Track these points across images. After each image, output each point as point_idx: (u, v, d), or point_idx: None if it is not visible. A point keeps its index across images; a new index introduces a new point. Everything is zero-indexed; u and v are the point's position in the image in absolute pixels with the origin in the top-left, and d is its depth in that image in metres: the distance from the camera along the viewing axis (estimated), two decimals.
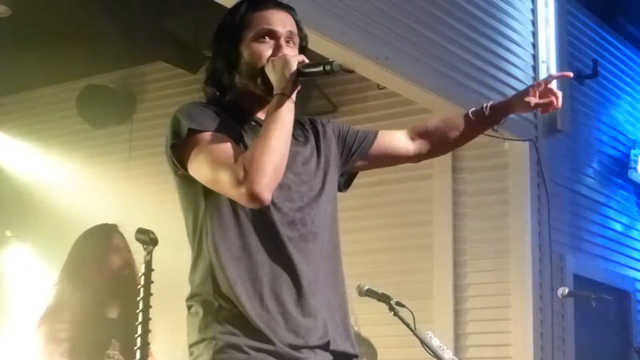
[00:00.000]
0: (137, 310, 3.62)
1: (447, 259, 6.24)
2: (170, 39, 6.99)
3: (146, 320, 3.58)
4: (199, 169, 2.47)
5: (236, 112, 2.60)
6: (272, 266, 2.50)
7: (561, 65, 6.51)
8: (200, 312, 2.51)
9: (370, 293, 4.27)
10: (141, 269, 3.67)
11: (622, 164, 7.61)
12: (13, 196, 7.75)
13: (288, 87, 2.47)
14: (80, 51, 7.32)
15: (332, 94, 6.71)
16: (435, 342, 4.19)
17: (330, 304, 2.58)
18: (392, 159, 2.93)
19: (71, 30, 7.16)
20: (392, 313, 4.24)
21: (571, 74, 3.25)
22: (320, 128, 2.75)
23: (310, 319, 2.51)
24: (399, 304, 4.23)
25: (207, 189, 2.51)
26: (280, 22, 2.62)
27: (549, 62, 6.46)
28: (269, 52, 2.58)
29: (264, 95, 2.57)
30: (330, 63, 2.48)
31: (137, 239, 3.71)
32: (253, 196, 2.37)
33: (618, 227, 7.48)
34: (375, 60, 5.01)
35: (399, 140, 2.90)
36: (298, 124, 2.56)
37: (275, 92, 2.48)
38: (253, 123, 2.60)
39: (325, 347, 2.53)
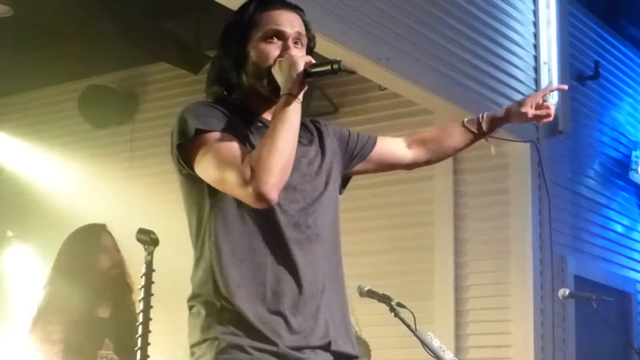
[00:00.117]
0: (138, 311, 3.63)
1: (448, 260, 6.24)
2: (172, 39, 6.99)
3: (147, 320, 3.58)
4: (206, 168, 2.47)
5: (243, 112, 2.60)
6: (276, 268, 2.50)
7: (562, 67, 6.51)
8: (203, 312, 2.51)
9: (371, 294, 4.27)
10: (142, 269, 3.67)
11: (623, 166, 7.61)
12: (14, 196, 7.75)
13: (295, 87, 2.47)
14: (81, 51, 7.33)
15: (333, 95, 6.71)
16: (435, 343, 4.19)
17: (331, 305, 2.58)
18: (389, 165, 2.99)
19: (73, 31, 7.17)
20: (393, 314, 4.24)
21: (566, 87, 3.32)
22: (323, 129, 2.76)
23: (311, 319, 2.52)
24: (399, 304, 4.24)
25: (212, 190, 2.51)
26: (289, 22, 2.62)
27: (550, 64, 6.46)
28: (276, 53, 2.58)
29: (270, 95, 2.57)
30: (338, 62, 2.48)
31: (138, 240, 3.71)
32: (260, 196, 2.37)
33: (619, 228, 7.48)
34: (376, 61, 5.01)
35: (396, 146, 2.99)
36: (301, 125, 2.57)
37: (282, 92, 2.48)
38: (259, 124, 2.60)
39: (326, 347, 2.54)
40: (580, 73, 7.10)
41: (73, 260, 4.39)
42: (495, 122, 3.00)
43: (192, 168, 2.52)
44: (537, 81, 6.43)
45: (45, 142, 7.62)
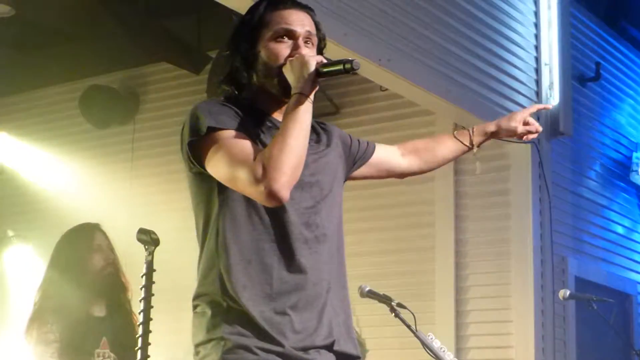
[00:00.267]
0: (138, 311, 3.63)
1: (449, 260, 6.25)
2: (174, 39, 7.00)
3: (147, 320, 3.58)
4: (217, 166, 2.47)
5: (253, 112, 2.59)
6: (282, 269, 2.51)
7: (563, 68, 6.50)
8: (208, 312, 2.52)
9: (372, 294, 4.28)
10: (142, 269, 3.67)
11: (624, 167, 7.61)
12: (15, 196, 7.76)
13: (306, 86, 2.47)
14: (83, 51, 7.34)
15: (334, 96, 6.71)
16: (436, 344, 4.19)
17: (335, 305, 2.59)
18: (385, 171, 3.01)
19: (74, 31, 7.19)
20: (393, 314, 4.25)
21: (550, 106, 3.37)
22: (329, 131, 2.77)
23: (316, 319, 2.53)
24: (400, 305, 4.24)
25: (221, 189, 2.51)
26: (299, 22, 2.62)
27: (551, 65, 6.46)
28: (286, 52, 2.58)
29: (280, 95, 2.58)
30: (350, 62, 2.49)
31: (139, 239, 3.71)
32: (271, 194, 2.37)
33: (620, 229, 7.48)
34: (377, 62, 5.01)
35: (392, 154, 3.00)
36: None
37: (293, 91, 2.48)
38: (269, 124, 2.60)
39: (329, 347, 2.55)
40: (581, 74, 7.10)
41: (67, 260, 4.39)
42: (485, 136, 3.10)
43: (202, 166, 2.51)
44: (538, 82, 6.43)
45: (47, 142, 7.62)
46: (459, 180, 6.34)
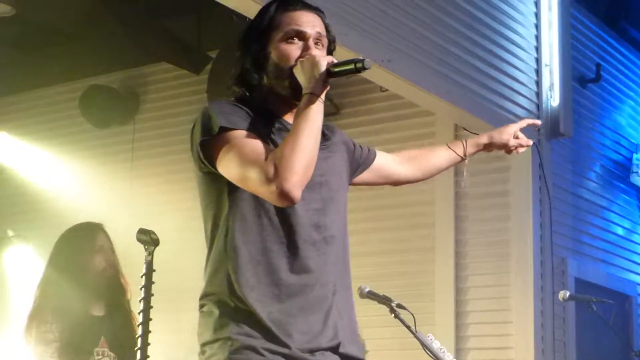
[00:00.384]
0: (138, 311, 3.62)
1: (449, 261, 6.24)
2: (174, 39, 7.00)
3: (147, 320, 3.58)
4: (228, 166, 2.47)
5: (263, 113, 2.60)
6: (289, 270, 2.52)
7: (564, 69, 6.50)
8: (215, 311, 2.53)
9: (371, 295, 4.27)
10: (142, 269, 3.67)
11: (624, 168, 7.61)
12: (15, 196, 7.76)
13: (318, 87, 2.47)
14: (83, 51, 7.35)
15: (334, 96, 6.71)
16: (436, 345, 4.19)
17: (340, 307, 2.60)
18: (384, 177, 3.04)
19: (74, 31, 7.19)
20: (393, 315, 4.24)
21: (539, 122, 3.54)
22: (336, 133, 2.78)
23: (322, 321, 2.53)
24: (399, 306, 4.23)
25: (231, 189, 2.52)
26: (309, 23, 2.63)
27: (551, 66, 6.46)
28: (297, 53, 2.59)
29: (291, 96, 2.58)
30: (362, 61, 2.49)
31: (139, 239, 3.70)
32: (283, 194, 2.37)
33: (620, 231, 7.48)
34: (377, 63, 5.01)
35: (391, 161, 3.04)
36: None
37: (304, 91, 2.49)
38: (280, 126, 2.60)
39: (335, 349, 2.56)
40: (581, 75, 7.10)
41: (67, 259, 4.37)
42: (478, 147, 3.20)
43: (213, 166, 2.51)
44: (538, 83, 6.43)
45: (47, 141, 7.62)
46: (459, 180, 6.34)
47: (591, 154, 7.24)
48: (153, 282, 3.66)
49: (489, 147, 3.22)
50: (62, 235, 4.54)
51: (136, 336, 3.57)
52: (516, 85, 6.18)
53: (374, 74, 5.24)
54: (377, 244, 6.41)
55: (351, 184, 2.91)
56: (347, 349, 2.58)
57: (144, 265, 3.67)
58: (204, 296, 2.59)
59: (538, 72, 6.46)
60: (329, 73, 2.50)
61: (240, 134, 2.47)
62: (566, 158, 6.79)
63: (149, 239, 3.70)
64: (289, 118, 2.60)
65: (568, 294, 5.23)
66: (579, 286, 6.52)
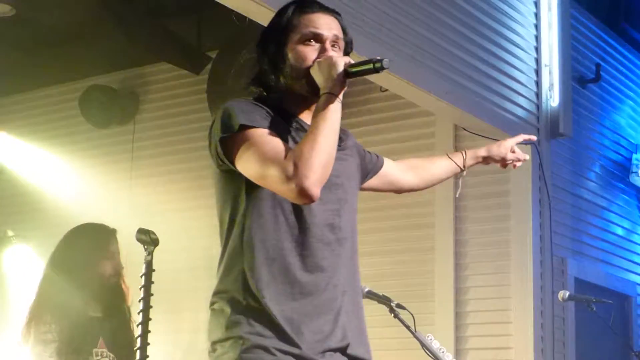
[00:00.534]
0: (138, 311, 3.63)
1: (448, 261, 6.25)
2: (173, 40, 7.00)
3: (146, 320, 3.58)
4: (247, 163, 2.48)
5: (281, 113, 2.62)
6: (303, 269, 2.54)
7: (563, 69, 6.50)
8: (227, 309, 2.53)
9: (371, 295, 4.27)
10: (142, 269, 3.67)
11: (624, 168, 7.61)
12: (15, 196, 7.76)
13: (336, 87, 2.50)
14: (83, 51, 7.34)
15: None
16: (435, 345, 4.19)
17: (349, 309, 2.62)
18: (389, 184, 3.11)
19: (74, 31, 7.18)
20: (393, 315, 4.25)
21: (535, 138, 3.62)
22: (350, 137, 2.80)
23: (332, 322, 2.56)
24: (399, 306, 4.24)
25: (249, 187, 2.53)
26: (327, 25, 2.66)
27: (551, 66, 6.46)
28: (314, 55, 2.61)
29: (308, 96, 2.61)
30: (381, 61, 2.52)
31: (138, 239, 3.71)
32: (302, 191, 2.39)
33: (619, 231, 7.48)
34: None
35: (396, 169, 3.10)
36: None
37: (322, 91, 2.51)
38: (297, 125, 2.63)
39: (343, 350, 2.58)
40: (581, 76, 7.10)
41: (76, 259, 4.33)
42: (477, 160, 3.32)
43: (232, 163, 2.53)
44: (538, 84, 6.43)
45: (46, 142, 7.63)
46: (460, 181, 6.33)
47: (591, 154, 7.25)
48: (153, 282, 3.66)
49: (487, 159, 3.33)
50: (72, 233, 4.47)
51: (133, 337, 3.57)
52: (516, 86, 6.18)
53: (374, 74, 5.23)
54: (377, 244, 6.41)
55: (363, 188, 2.96)
56: (355, 350, 2.60)
57: (144, 265, 3.68)
58: (216, 293, 2.59)
59: (538, 72, 6.46)
60: (347, 73, 2.52)
61: (260, 133, 2.49)
62: (566, 158, 6.79)
63: (148, 239, 3.70)
64: (305, 118, 2.63)
65: (568, 294, 5.23)
66: (579, 286, 6.52)
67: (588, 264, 6.89)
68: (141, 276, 3.67)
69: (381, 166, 3.02)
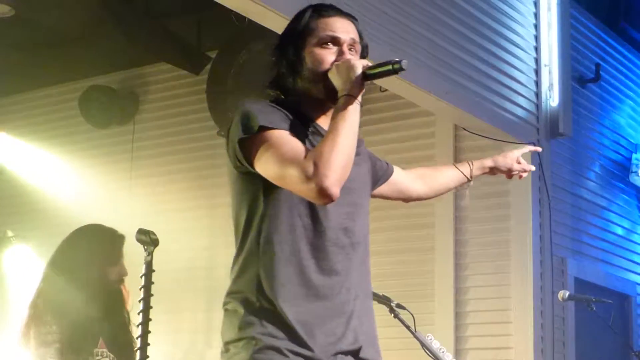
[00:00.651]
0: (138, 311, 3.63)
1: (448, 261, 6.24)
2: (173, 40, 7.00)
3: (146, 320, 3.58)
4: (266, 164, 2.49)
5: (298, 117, 2.62)
6: (317, 271, 2.55)
7: (563, 69, 6.50)
8: (240, 310, 2.54)
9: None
10: (142, 269, 3.67)
11: (623, 168, 7.61)
12: (15, 196, 7.76)
13: (354, 89, 2.52)
14: (83, 52, 7.34)
15: None
16: (435, 345, 4.19)
17: (360, 315, 2.63)
18: (397, 193, 3.12)
19: (73, 31, 7.18)
20: (393, 315, 4.25)
21: (540, 149, 3.66)
22: (363, 143, 2.80)
23: (344, 325, 2.57)
24: (399, 306, 4.24)
25: (267, 189, 2.54)
26: (344, 29, 2.68)
27: (551, 66, 6.46)
28: (332, 58, 2.63)
29: (326, 99, 2.62)
30: (399, 62, 2.54)
31: (138, 240, 3.71)
32: (322, 191, 2.39)
33: (619, 230, 7.48)
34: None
35: (406, 178, 3.12)
36: None
37: (341, 93, 2.53)
38: (313, 129, 2.64)
39: (355, 353, 2.60)
40: (581, 75, 7.10)
41: (79, 258, 4.27)
42: (483, 170, 3.32)
43: (250, 164, 2.53)
44: (537, 83, 6.43)
45: (46, 142, 7.63)
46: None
47: (590, 154, 7.25)
48: (153, 282, 3.66)
49: (493, 170, 3.33)
50: (78, 233, 4.42)
51: (132, 338, 3.56)
52: (515, 86, 6.18)
53: None
54: (377, 244, 6.34)
55: (374, 195, 2.97)
56: (367, 354, 2.63)
57: (144, 266, 3.68)
58: (230, 294, 2.61)
59: (537, 72, 6.46)
60: (365, 76, 2.54)
61: (279, 134, 2.50)
62: (565, 158, 6.79)
63: (148, 239, 3.70)
64: (322, 123, 2.64)
65: (567, 293, 5.23)
66: (579, 286, 6.52)
67: (588, 263, 6.89)
68: (141, 276, 3.67)
69: (391, 174, 3.04)
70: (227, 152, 2.61)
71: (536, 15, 6.52)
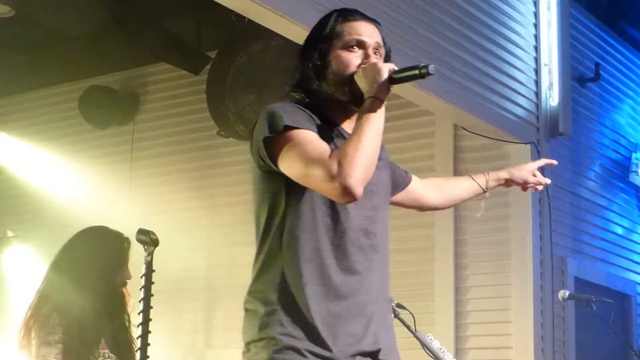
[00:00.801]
0: (138, 311, 3.62)
1: (449, 261, 6.25)
2: (173, 40, 7.00)
3: (147, 320, 3.58)
4: (290, 163, 2.51)
5: (322, 120, 2.64)
6: (338, 271, 2.57)
7: (563, 69, 6.51)
8: (261, 310, 2.56)
9: None
10: (142, 269, 3.67)
11: (623, 168, 7.61)
12: (15, 196, 7.77)
13: (380, 92, 2.54)
14: (82, 52, 7.35)
15: None
16: (435, 344, 4.19)
17: (379, 317, 2.65)
18: (412, 201, 3.14)
19: (74, 31, 7.18)
20: (393, 315, 4.24)
21: (556, 162, 3.66)
22: (385, 150, 2.81)
23: (364, 326, 2.59)
24: (399, 305, 4.24)
25: (289, 188, 2.56)
26: (369, 33, 2.71)
27: (550, 65, 6.46)
28: (358, 61, 2.66)
29: (350, 102, 2.64)
30: (426, 66, 2.55)
31: (138, 240, 3.70)
32: (346, 190, 2.41)
33: (619, 230, 7.49)
34: None
35: (422, 187, 3.14)
36: None
37: (366, 95, 2.55)
38: (337, 133, 2.65)
39: (375, 354, 2.61)
40: (580, 75, 7.10)
41: (82, 259, 4.25)
42: (499, 182, 3.34)
43: (274, 163, 2.55)
44: (537, 83, 6.43)
45: (46, 142, 7.63)
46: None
47: (590, 154, 7.25)
48: (153, 283, 3.66)
49: (509, 182, 3.36)
50: (84, 235, 4.39)
51: (133, 339, 3.56)
52: (515, 85, 6.18)
53: None
54: None
55: (391, 202, 2.97)
56: (386, 356, 2.64)
57: (144, 266, 3.68)
58: (251, 293, 2.62)
59: (537, 71, 6.46)
60: (391, 79, 2.56)
61: (304, 133, 2.52)
62: (565, 157, 6.78)
63: (148, 240, 3.70)
64: (346, 127, 2.66)
65: (568, 293, 5.24)
66: (579, 285, 6.52)
67: (588, 263, 6.89)
68: (141, 276, 3.67)
69: (409, 182, 3.07)
70: (251, 152, 2.62)
71: (536, 15, 6.52)
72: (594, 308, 5.11)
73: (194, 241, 6.77)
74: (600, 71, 7.24)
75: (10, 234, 7.48)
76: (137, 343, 3.65)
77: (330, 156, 2.44)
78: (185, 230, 6.74)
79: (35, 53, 7.56)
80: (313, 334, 2.50)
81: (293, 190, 2.55)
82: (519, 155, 6.17)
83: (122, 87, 7.63)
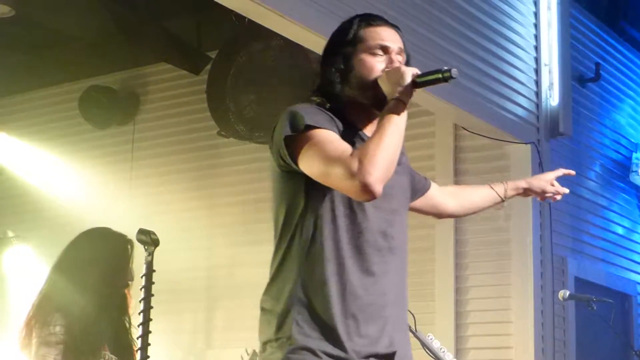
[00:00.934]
0: (138, 311, 3.63)
1: (449, 261, 6.24)
2: (173, 40, 7.00)
3: (147, 320, 3.58)
4: (311, 161, 2.52)
5: (343, 123, 2.65)
6: (356, 272, 2.57)
7: (563, 69, 6.50)
8: (277, 309, 2.57)
9: None
10: (142, 269, 3.67)
11: (624, 168, 7.61)
12: (15, 197, 7.77)
13: (404, 95, 2.58)
14: (82, 52, 7.35)
15: None
16: (436, 344, 4.19)
17: (395, 321, 2.67)
18: (430, 208, 3.17)
19: (74, 31, 7.19)
20: None
21: (574, 173, 3.71)
22: (405, 156, 2.83)
23: (379, 328, 2.60)
24: None
25: (309, 188, 2.57)
26: (392, 38, 2.77)
27: (551, 65, 6.46)
28: (381, 66, 2.69)
29: (373, 106, 2.66)
30: (449, 70, 2.60)
31: (139, 240, 3.70)
32: (366, 188, 2.42)
33: (619, 230, 7.48)
34: None
35: (440, 194, 3.16)
36: None
37: (389, 97, 2.58)
38: (358, 137, 2.67)
39: (390, 357, 2.62)
40: (581, 75, 7.10)
41: (86, 259, 4.24)
42: (517, 191, 3.35)
43: (294, 162, 2.56)
44: (537, 83, 6.43)
45: (46, 142, 7.63)
46: (459, 180, 6.34)
47: (591, 154, 7.24)
48: (153, 283, 3.66)
49: (527, 191, 3.37)
50: (86, 236, 4.38)
51: (133, 340, 3.56)
52: (516, 85, 6.18)
53: None
54: None
55: (410, 208, 3.00)
56: (402, 358, 2.65)
57: (144, 266, 3.68)
58: (267, 292, 2.63)
59: (537, 71, 6.46)
60: (415, 83, 2.60)
61: (325, 133, 2.53)
62: (566, 157, 6.78)
63: (149, 240, 3.70)
64: (367, 131, 2.68)
65: (568, 293, 5.23)
66: (579, 285, 6.52)
67: (588, 263, 6.89)
68: (141, 276, 3.67)
69: (428, 188, 3.09)
70: (271, 152, 2.64)
71: (536, 15, 6.52)
72: (595, 308, 5.11)
73: (194, 241, 6.77)
74: (601, 71, 7.24)
75: (10, 234, 7.48)
76: (138, 343, 3.65)
77: (351, 155, 2.45)
78: (185, 230, 6.73)
79: (35, 53, 7.56)
80: (329, 334, 2.51)
81: (312, 190, 2.57)
82: (519, 155, 6.17)
83: (122, 87, 7.63)
